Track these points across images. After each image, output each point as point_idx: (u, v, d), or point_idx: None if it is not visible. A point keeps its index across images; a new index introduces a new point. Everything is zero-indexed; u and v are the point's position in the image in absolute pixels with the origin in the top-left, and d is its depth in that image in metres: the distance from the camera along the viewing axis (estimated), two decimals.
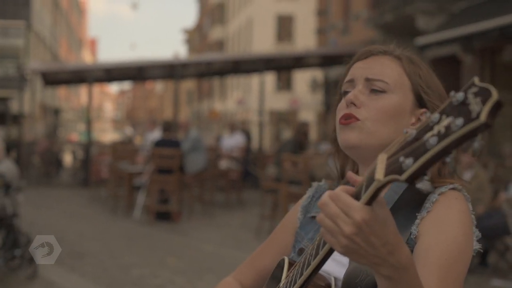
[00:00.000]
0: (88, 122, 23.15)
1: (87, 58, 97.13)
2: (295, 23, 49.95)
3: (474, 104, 1.14)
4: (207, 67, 23.55)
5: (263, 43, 47.76)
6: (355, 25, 26.22)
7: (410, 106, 1.77)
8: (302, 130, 12.73)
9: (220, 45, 63.55)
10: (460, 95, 1.17)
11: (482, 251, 1.73)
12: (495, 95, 1.13)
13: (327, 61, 25.10)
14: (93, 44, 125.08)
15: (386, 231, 1.32)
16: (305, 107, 44.67)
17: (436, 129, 1.18)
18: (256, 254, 2.08)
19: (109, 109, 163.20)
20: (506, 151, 14.48)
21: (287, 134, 44.86)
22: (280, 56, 24.64)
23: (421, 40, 17.45)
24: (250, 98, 47.78)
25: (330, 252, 1.45)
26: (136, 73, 22.95)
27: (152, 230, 11.68)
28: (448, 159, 1.18)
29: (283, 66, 26.10)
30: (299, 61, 24.74)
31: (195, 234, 11.27)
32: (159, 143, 12.78)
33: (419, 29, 18.03)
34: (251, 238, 11.13)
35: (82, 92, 79.34)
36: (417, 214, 1.64)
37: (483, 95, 1.14)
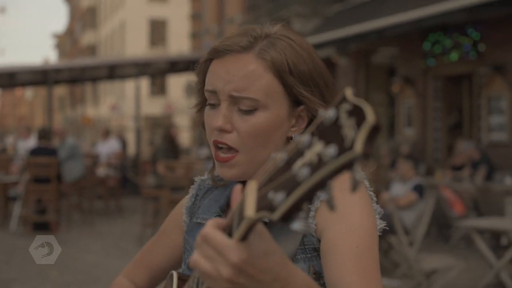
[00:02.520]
0: None
1: None
2: (168, 27, 49.75)
3: (348, 128, 0.94)
4: (81, 72, 23.04)
5: (136, 47, 47.26)
6: (229, 29, 26.32)
7: (286, 112, 1.56)
8: (168, 135, 12.63)
9: (92, 49, 62.45)
10: (331, 113, 0.97)
11: (387, 228, 1.60)
12: (370, 118, 0.93)
13: None
14: None
15: (272, 263, 1.15)
16: (180, 111, 44.50)
17: (307, 156, 0.98)
18: (145, 251, 1.93)
19: None
20: (383, 151, 14.85)
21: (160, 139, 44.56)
22: (155, 60, 24.43)
23: None
24: (124, 104, 47.18)
25: None
26: (6, 79, 22.18)
27: (30, 242, 11.26)
28: (324, 193, 0.98)
29: (158, 71, 25.88)
30: (174, 66, 24.59)
31: (76, 244, 10.94)
32: (34, 152, 12.34)
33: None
34: (134, 246, 10.90)
35: None
36: (309, 206, 1.52)
37: (358, 116, 0.94)
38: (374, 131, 0.93)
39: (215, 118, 1.56)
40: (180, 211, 1.84)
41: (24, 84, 23.95)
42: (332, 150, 0.95)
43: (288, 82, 1.53)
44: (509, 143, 13.39)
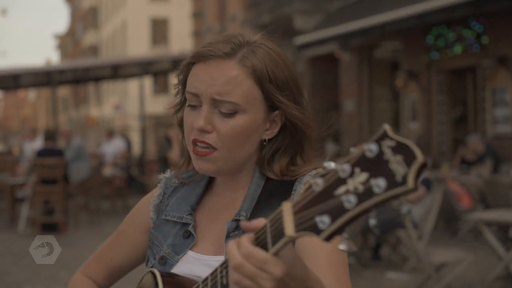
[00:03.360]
0: None
1: None
2: (170, 26, 49.75)
3: (396, 164, 1.06)
4: (85, 72, 23.08)
5: (138, 47, 47.25)
6: (231, 26, 26.33)
7: (263, 116, 1.66)
8: (168, 134, 12.66)
9: (94, 50, 62.49)
10: (374, 147, 1.09)
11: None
12: (420, 157, 1.05)
13: None
14: None
15: (298, 270, 1.30)
16: None
17: (351, 185, 1.10)
18: (104, 249, 1.97)
19: None
20: None
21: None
22: (159, 59, 24.45)
23: (300, 40, 17.70)
24: (128, 103, 47.22)
25: None
26: (10, 81, 22.23)
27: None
28: (371, 220, 1.11)
29: (162, 70, 25.91)
30: (177, 64, 24.57)
31: (84, 245, 10.96)
32: (41, 153, 12.39)
33: (297, 29, 18.27)
34: None
35: None
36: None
37: (406, 154, 1.06)
38: (423, 168, 1.06)
39: (197, 119, 1.64)
40: (143, 210, 1.89)
41: (28, 86, 23.99)
42: (382, 182, 1.06)
43: (267, 88, 1.64)
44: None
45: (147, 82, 43.32)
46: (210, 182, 1.81)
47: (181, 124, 1.75)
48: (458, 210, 10.78)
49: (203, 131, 1.63)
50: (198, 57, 1.66)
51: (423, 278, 7.58)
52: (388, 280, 8.23)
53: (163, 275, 1.65)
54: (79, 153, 13.30)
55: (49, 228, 12.29)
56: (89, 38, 63.92)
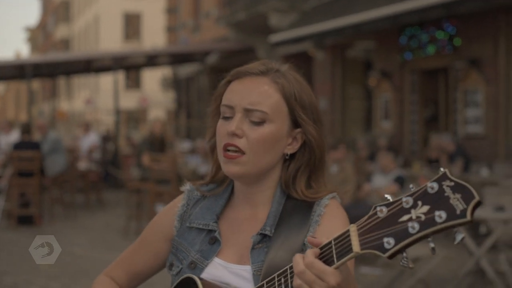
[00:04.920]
0: None
1: None
2: (143, 21, 49.63)
3: (456, 200, 1.33)
4: (59, 66, 23.03)
5: (111, 41, 47.10)
6: (205, 23, 26.40)
7: (286, 130, 1.89)
8: (153, 129, 12.78)
9: (65, 43, 62.12)
10: (435, 185, 1.37)
11: None
12: (476, 196, 1.32)
13: (178, 59, 25.16)
14: None
15: (349, 282, 1.56)
16: (155, 105, 44.51)
17: (414, 214, 1.38)
18: (127, 256, 2.13)
19: None
20: (360, 144, 15.09)
21: (138, 133, 44.47)
22: (133, 54, 24.48)
23: (274, 38, 17.85)
24: (99, 98, 47.05)
25: None
26: None
27: (16, 235, 11.36)
28: (430, 243, 1.38)
29: (135, 65, 25.93)
30: (151, 60, 24.66)
31: (61, 238, 11.02)
32: (18, 146, 12.43)
33: (272, 27, 18.41)
34: (119, 239, 11.05)
35: None
36: (309, 227, 1.84)
37: (463, 193, 1.34)
38: (478, 205, 1.33)
39: (229, 125, 1.86)
40: (165, 219, 2.06)
41: (1, 79, 23.86)
42: (443, 214, 1.33)
43: (292, 105, 1.89)
44: (485, 136, 13.69)
45: (119, 76, 43.26)
46: (231, 195, 2.01)
47: (213, 138, 1.96)
48: None
49: (234, 135, 1.84)
50: (236, 75, 1.92)
51: (397, 272, 7.76)
52: (362, 274, 8.40)
53: (202, 280, 1.84)
54: (55, 146, 13.34)
55: (24, 220, 12.35)
56: (60, 32, 63.49)
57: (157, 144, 12.36)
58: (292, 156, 1.92)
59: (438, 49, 14.79)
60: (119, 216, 12.88)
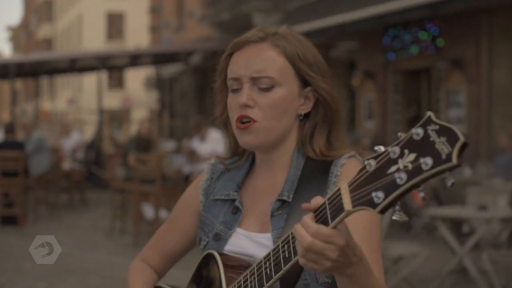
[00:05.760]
0: None
1: None
2: (126, 20, 49.54)
3: (441, 144, 1.25)
4: (43, 65, 22.94)
5: (94, 41, 46.97)
6: (189, 22, 26.41)
7: (297, 90, 1.88)
8: (144, 128, 12.79)
9: (48, 43, 61.89)
10: (420, 131, 1.30)
11: None
12: (462, 137, 1.24)
13: (162, 59, 25.14)
14: None
15: (352, 239, 1.50)
16: (138, 105, 44.43)
17: (401, 164, 1.31)
18: (159, 237, 2.15)
19: None
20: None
21: (121, 133, 44.44)
22: (116, 54, 24.41)
23: None
24: (82, 97, 46.93)
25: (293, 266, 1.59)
26: None
27: (0, 235, 11.33)
28: (420, 193, 1.33)
29: (118, 65, 25.85)
30: (135, 59, 24.60)
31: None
32: (2, 146, 12.41)
33: (255, 27, 18.43)
34: (104, 238, 11.07)
35: None
36: (328, 190, 1.81)
37: (449, 136, 1.25)
38: (464, 147, 1.24)
39: (239, 97, 1.86)
40: (192, 195, 2.09)
41: None
42: (429, 160, 1.26)
43: (297, 65, 1.87)
44: (467, 136, 13.78)
45: (103, 76, 43.18)
46: (252, 165, 2.00)
47: (225, 115, 1.96)
48: (412, 207, 11.10)
49: (246, 106, 1.84)
50: (235, 46, 1.91)
51: None
52: None
53: (220, 254, 1.85)
54: (39, 146, 13.31)
55: (8, 220, 12.33)
56: (43, 31, 63.24)
57: (143, 144, 12.37)
58: (307, 115, 1.91)
59: (421, 50, 14.89)
60: (104, 215, 12.88)
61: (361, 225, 1.74)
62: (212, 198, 2.01)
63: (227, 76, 1.91)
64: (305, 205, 1.49)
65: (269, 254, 1.64)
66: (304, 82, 1.89)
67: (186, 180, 11.62)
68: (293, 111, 1.88)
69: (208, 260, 1.88)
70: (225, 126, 1.99)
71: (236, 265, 1.83)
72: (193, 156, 12.21)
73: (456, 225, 9.06)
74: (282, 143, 1.90)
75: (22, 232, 11.70)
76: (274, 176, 1.93)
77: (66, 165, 16.06)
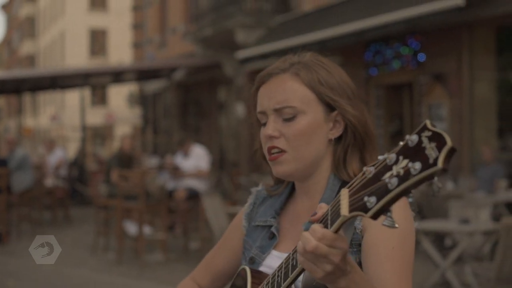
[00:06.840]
0: None
1: None
2: (108, 36, 49.53)
3: (430, 149, 1.27)
4: (23, 82, 22.89)
5: (77, 57, 46.95)
6: (172, 39, 26.44)
7: (323, 116, 1.88)
8: (126, 145, 12.78)
9: (31, 59, 61.76)
10: (414, 138, 1.31)
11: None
12: (449, 142, 1.26)
13: (145, 75, 25.16)
14: None
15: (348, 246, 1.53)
16: (121, 121, 44.38)
17: (395, 170, 1.33)
18: (210, 257, 2.22)
19: None
20: None
21: (104, 149, 44.36)
22: (99, 71, 24.41)
23: (241, 54, 17.95)
24: (65, 114, 46.81)
25: (299, 275, 1.62)
26: None
27: None
28: (409, 199, 1.35)
29: (102, 82, 25.83)
30: (118, 76, 24.61)
31: (28, 254, 10.98)
32: None
33: (238, 43, 18.52)
34: (88, 255, 11.04)
35: None
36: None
37: (438, 141, 1.28)
38: (452, 152, 1.27)
39: (265, 130, 1.90)
40: (239, 219, 2.15)
41: None
42: (417, 165, 1.28)
43: (319, 90, 1.88)
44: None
45: (86, 93, 43.11)
46: (292, 191, 2.04)
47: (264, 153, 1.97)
48: None
49: (272, 137, 1.88)
50: (260, 80, 1.96)
51: None
52: None
53: (252, 270, 1.90)
54: (22, 163, 13.28)
55: None
56: (26, 48, 63.11)
57: (126, 160, 12.36)
58: (339, 139, 1.92)
59: (403, 64, 14.99)
60: (87, 232, 12.86)
61: (390, 244, 1.74)
62: (253, 224, 2.06)
63: (256, 111, 1.96)
64: (313, 217, 1.53)
65: (281, 263, 1.70)
66: (330, 107, 1.90)
67: (170, 196, 11.63)
68: (322, 136, 1.90)
69: (241, 275, 1.94)
70: (264, 158, 2.01)
71: (263, 276, 1.88)
72: (176, 172, 12.23)
73: (438, 238, 9.12)
74: (316, 169, 1.93)
75: (5, 249, 11.66)
76: (312, 200, 1.95)
77: (49, 182, 16.02)
